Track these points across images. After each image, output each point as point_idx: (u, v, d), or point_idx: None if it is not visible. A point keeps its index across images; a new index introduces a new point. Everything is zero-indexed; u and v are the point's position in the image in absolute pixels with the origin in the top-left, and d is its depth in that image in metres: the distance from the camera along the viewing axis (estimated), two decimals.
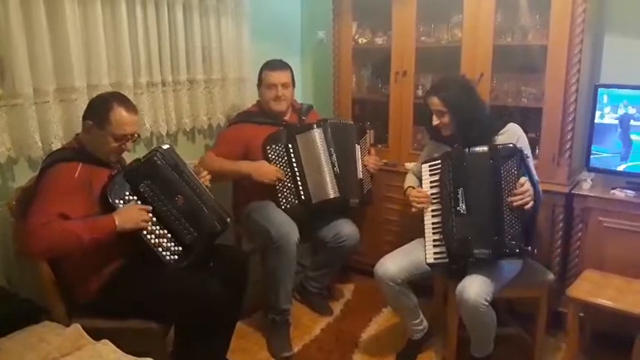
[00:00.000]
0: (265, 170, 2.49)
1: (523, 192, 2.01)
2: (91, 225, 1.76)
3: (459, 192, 2.12)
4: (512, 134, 2.20)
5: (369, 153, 2.78)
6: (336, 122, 2.71)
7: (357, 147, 2.70)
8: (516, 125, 2.25)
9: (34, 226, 1.70)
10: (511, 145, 2.07)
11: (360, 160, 2.68)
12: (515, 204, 2.01)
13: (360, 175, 2.66)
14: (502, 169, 2.05)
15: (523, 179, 2.02)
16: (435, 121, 2.22)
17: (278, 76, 2.58)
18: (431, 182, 2.26)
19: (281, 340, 2.49)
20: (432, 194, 2.24)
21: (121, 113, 1.87)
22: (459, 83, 2.26)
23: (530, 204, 2.01)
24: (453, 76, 2.41)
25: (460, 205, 2.11)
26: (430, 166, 2.28)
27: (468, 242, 2.08)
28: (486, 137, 2.18)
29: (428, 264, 2.19)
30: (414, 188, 2.34)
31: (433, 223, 2.21)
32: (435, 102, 2.19)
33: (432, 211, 2.23)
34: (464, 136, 2.19)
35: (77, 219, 1.76)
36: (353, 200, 2.60)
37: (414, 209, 2.28)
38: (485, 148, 2.10)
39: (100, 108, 1.88)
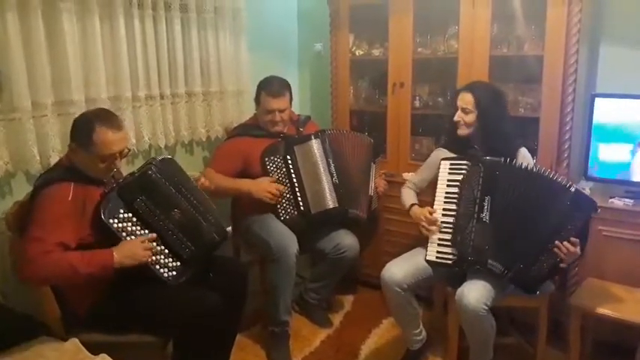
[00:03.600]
0: (265, 187, 2.47)
1: (571, 253, 1.96)
2: (88, 258, 1.74)
3: (486, 200, 2.09)
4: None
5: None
6: (336, 133, 2.71)
7: (373, 165, 2.69)
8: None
9: (33, 255, 1.68)
10: (595, 201, 1.99)
11: (373, 179, 2.67)
12: (557, 251, 1.97)
13: (371, 192, 2.65)
14: (574, 217, 1.98)
15: (576, 240, 1.96)
16: (457, 117, 2.22)
17: (276, 103, 2.55)
18: (449, 180, 2.23)
19: (280, 352, 2.47)
20: (447, 193, 2.21)
21: (105, 134, 1.79)
22: (493, 89, 2.28)
23: (564, 265, 1.99)
24: (488, 82, 2.42)
25: (484, 212, 2.08)
26: (452, 164, 2.25)
27: (485, 251, 2.05)
28: (506, 150, 2.18)
29: (427, 261, 2.17)
30: (418, 206, 2.31)
31: (443, 222, 2.19)
32: (466, 98, 2.20)
33: (444, 210, 2.20)
34: (483, 141, 2.20)
35: (76, 251, 1.74)
36: (352, 211, 2.59)
37: (423, 230, 2.22)
38: (572, 189, 1.99)
39: (83, 130, 1.81)
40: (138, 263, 1.80)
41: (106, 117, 1.85)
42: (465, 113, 2.21)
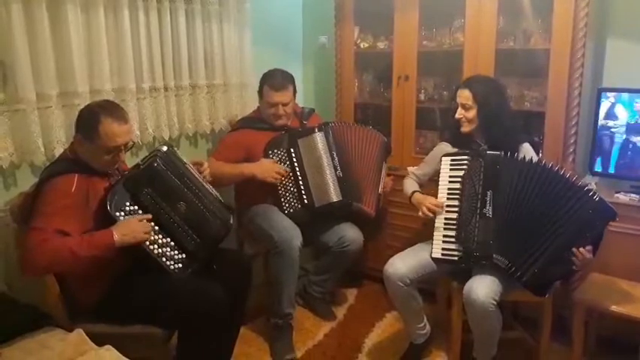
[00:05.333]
0: (268, 167, 2.48)
1: (587, 260, 1.92)
2: (88, 241, 1.73)
3: (488, 194, 2.08)
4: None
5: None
6: (340, 126, 2.69)
7: (384, 165, 2.69)
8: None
9: (33, 244, 1.68)
10: (615, 210, 1.93)
11: (383, 178, 2.66)
12: (573, 258, 1.93)
13: (380, 190, 2.64)
14: (594, 225, 1.93)
15: (591, 248, 1.93)
16: (459, 115, 2.22)
17: (279, 96, 2.54)
18: (450, 177, 2.23)
19: (284, 344, 2.48)
20: (449, 189, 2.21)
21: (110, 126, 1.79)
22: (492, 82, 2.27)
23: (575, 268, 1.96)
24: (486, 75, 2.40)
25: (487, 207, 2.07)
26: (453, 160, 2.24)
27: (489, 246, 2.04)
28: (508, 143, 2.17)
29: (433, 258, 2.17)
30: (421, 193, 2.32)
31: (447, 219, 2.19)
32: (465, 94, 2.20)
33: (447, 207, 2.20)
34: (486, 136, 2.20)
35: (75, 236, 1.73)
36: (356, 204, 2.59)
37: (421, 214, 2.23)
38: (595, 198, 1.92)
39: (88, 122, 1.81)
40: (138, 241, 1.79)
41: (112, 109, 1.84)
42: (466, 109, 2.20)
